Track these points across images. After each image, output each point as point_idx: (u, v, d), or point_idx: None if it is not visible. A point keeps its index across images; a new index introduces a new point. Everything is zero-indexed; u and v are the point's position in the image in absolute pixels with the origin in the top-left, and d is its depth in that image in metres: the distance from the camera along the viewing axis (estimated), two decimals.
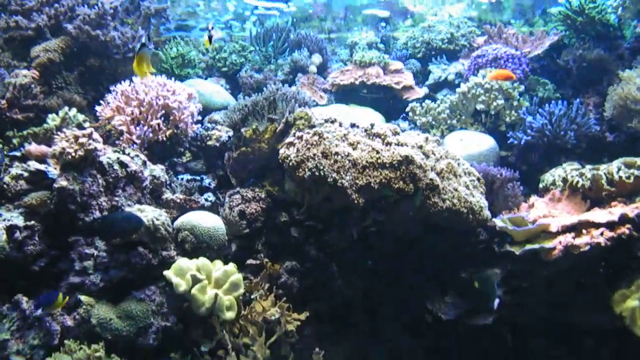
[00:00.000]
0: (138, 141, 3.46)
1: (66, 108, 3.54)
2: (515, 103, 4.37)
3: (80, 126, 3.47)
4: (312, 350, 2.95)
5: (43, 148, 3.10)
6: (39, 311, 2.58)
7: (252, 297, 3.05)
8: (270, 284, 3.15)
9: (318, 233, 3.33)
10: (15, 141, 3.32)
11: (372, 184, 3.07)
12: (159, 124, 3.54)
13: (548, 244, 3.10)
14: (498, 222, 3.33)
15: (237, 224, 3.21)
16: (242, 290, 2.89)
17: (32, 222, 2.78)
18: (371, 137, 3.39)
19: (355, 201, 3.05)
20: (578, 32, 4.92)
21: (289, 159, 3.11)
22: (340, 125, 3.46)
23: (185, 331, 2.90)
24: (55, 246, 2.83)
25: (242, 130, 3.48)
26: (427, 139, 3.53)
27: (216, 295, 2.76)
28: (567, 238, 3.07)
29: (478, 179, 3.52)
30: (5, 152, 3.08)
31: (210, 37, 3.76)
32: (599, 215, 3.11)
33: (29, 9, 4.14)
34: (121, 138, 3.49)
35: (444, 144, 4.15)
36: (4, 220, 2.70)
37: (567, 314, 3.39)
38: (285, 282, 3.23)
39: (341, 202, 3.10)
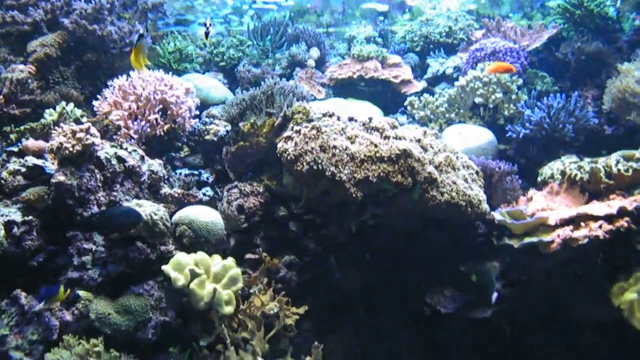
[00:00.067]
0: (136, 136, 3.45)
1: (63, 103, 3.53)
2: (513, 96, 4.36)
3: (77, 121, 3.46)
4: (311, 344, 2.95)
5: (40, 143, 3.09)
6: (42, 304, 2.58)
7: (251, 291, 3.05)
8: (269, 278, 3.15)
9: (316, 227, 3.33)
10: (12, 136, 3.30)
11: (370, 178, 3.06)
12: (156, 119, 3.53)
13: (546, 237, 3.11)
14: (497, 215, 3.33)
15: (235, 218, 3.21)
16: (240, 285, 2.89)
17: (30, 217, 2.78)
18: (369, 131, 3.38)
19: (354, 195, 3.05)
20: (577, 25, 4.91)
21: (287, 152, 3.11)
22: (339, 119, 3.46)
23: (184, 326, 2.90)
24: (53, 241, 2.83)
25: (240, 124, 3.47)
26: (425, 132, 3.52)
27: (215, 289, 2.76)
28: (566, 231, 3.07)
29: (476, 172, 3.52)
30: (2, 148, 3.07)
31: (207, 33, 3.75)
32: (597, 208, 3.11)
33: (25, 4, 4.12)
34: (119, 133, 3.48)
35: (443, 137, 4.15)
36: (2, 215, 2.70)
37: (565, 307, 3.40)
38: (284, 277, 3.23)
39: (339, 196, 3.10)
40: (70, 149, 2.79)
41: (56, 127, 2.93)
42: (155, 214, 2.89)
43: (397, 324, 3.67)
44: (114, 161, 3.00)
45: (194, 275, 2.76)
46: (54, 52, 3.95)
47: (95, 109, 3.65)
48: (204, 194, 3.44)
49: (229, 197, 3.30)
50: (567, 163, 3.56)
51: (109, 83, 3.68)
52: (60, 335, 2.58)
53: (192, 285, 2.73)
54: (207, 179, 3.61)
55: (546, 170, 3.66)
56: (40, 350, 2.55)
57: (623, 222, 2.99)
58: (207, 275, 2.83)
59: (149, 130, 3.49)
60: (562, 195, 3.44)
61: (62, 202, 2.77)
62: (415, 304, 3.57)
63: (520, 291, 3.41)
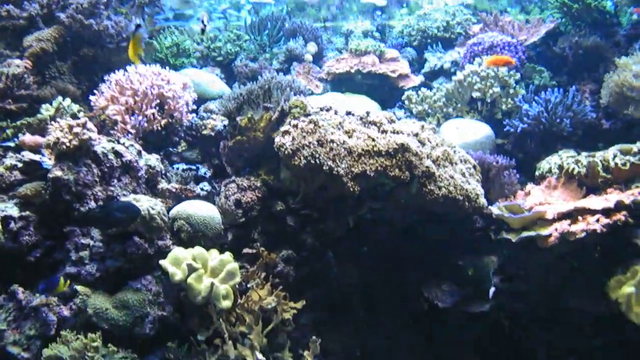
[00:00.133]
0: (133, 131, 3.44)
1: (60, 98, 3.52)
2: (511, 91, 4.35)
3: (74, 116, 3.45)
4: (309, 339, 2.96)
5: (37, 138, 3.09)
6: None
7: (249, 286, 3.05)
8: (267, 272, 3.15)
9: (314, 222, 3.33)
10: (8, 132, 3.29)
11: (367, 172, 3.06)
12: (153, 114, 3.52)
13: (544, 231, 3.11)
14: (494, 209, 3.33)
15: (233, 213, 3.20)
16: (238, 279, 2.89)
17: (27, 212, 2.78)
18: (367, 125, 3.38)
19: (351, 189, 3.05)
20: (574, 19, 4.89)
21: (285, 147, 3.10)
22: (336, 113, 3.45)
23: (182, 320, 2.90)
24: (50, 236, 2.83)
25: (238, 119, 3.46)
26: (423, 126, 3.52)
27: (212, 284, 2.76)
28: (563, 225, 3.07)
29: (474, 167, 3.51)
30: None
31: (203, 30, 3.74)
32: (594, 202, 3.11)
33: None
34: (116, 128, 3.47)
35: (440, 132, 4.14)
36: None
37: (563, 300, 3.40)
38: (281, 271, 3.23)
39: (337, 190, 3.09)
40: (67, 144, 2.78)
41: (53, 122, 2.92)
42: (153, 209, 2.89)
43: (394, 319, 3.68)
44: (111, 156, 3.00)
45: (191, 269, 2.76)
46: (50, 47, 3.93)
47: (92, 103, 3.64)
48: (202, 189, 3.44)
49: (227, 192, 3.30)
50: (565, 157, 3.57)
51: (106, 78, 3.67)
52: (58, 330, 2.59)
53: (189, 280, 2.73)
54: (205, 173, 3.61)
55: (544, 165, 3.66)
56: (37, 345, 2.55)
57: (620, 216, 2.99)
58: (205, 270, 2.83)
59: (146, 125, 3.48)
60: (559, 190, 3.44)
61: (59, 197, 2.77)
62: (413, 299, 3.57)
63: (518, 285, 3.42)
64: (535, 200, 3.39)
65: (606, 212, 3.03)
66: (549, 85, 4.56)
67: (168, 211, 3.06)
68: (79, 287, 2.72)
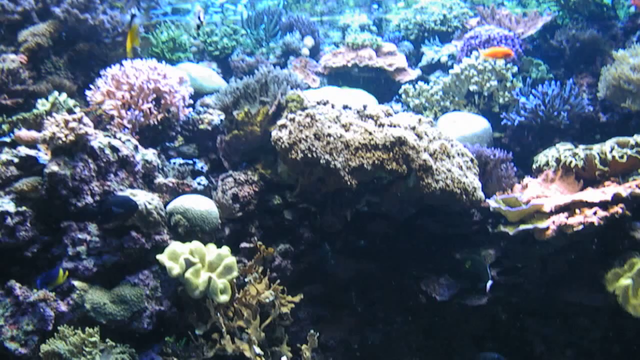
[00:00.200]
0: (129, 125, 3.43)
1: (56, 93, 3.50)
2: (508, 84, 4.35)
3: (70, 111, 3.43)
4: (306, 333, 2.96)
5: (33, 133, 3.07)
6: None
7: (246, 280, 3.05)
8: (264, 267, 3.15)
9: (311, 215, 3.33)
10: (4, 127, 3.28)
11: (365, 166, 3.06)
12: (150, 108, 3.51)
13: (542, 224, 3.11)
14: (492, 202, 3.34)
15: (230, 207, 3.20)
16: (235, 274, 2.88)
17: (24, 208, 2.76)
18: (364, 119, 3.37)
19: (348, 183, 3.05)
20: (571, 12, 4.89)
21: (282, 141, 3.09)
22: (333, 107, 3.44)
23: (180, 315, 2.90)
24: (47, 232, 2.82)
25: (234, 113, 3.45)
26: (420, 120, 3.51)
27: (210, 278, 2.76)
28: (561, 218, 3.08)
29: (472, 160, 3.51)
30: None
31: (199, 26, 3.73)
32: (592, 194, 3.12)
33: None
34: (112, 122, 3.45)
35: (437, 125, 4.14)
36: None
37: (560, 293, 3.41)
38: (279, 265, 3.23)
39: (334, 184, 3.09)
40: (63, 139, 2.77)
41: (49, 117, 2.91)
42: (150, 203, 2.88)
43: (392, 312, 3.68)
44: (107, 151, 2.99)
45: (189, 264, 2.75)
46: (45, 42, 3.91)
47: (88, 98, 3.62)
48: (199, 183, 3.43)
49: (224, 186, 3.30)
50: (562, 150, 3.57)
51: (102, 72, 3.65)
52: (56, 325, 2.58)
53: (187, 275, 2.73)
54: (202, 168, 3.60)
55: (541, 158, 3.67)
56: (35, 340, 2.55)
57: (617, 209, 3.00)
58: (202, 264, 2.83)
59: (142, 119, 3.47)
60: (557, 183, 3.44)
61: (55, 192, 2.76)
62: (411, 292, 3.57)
63: (516, 278, 3.42)
64: (533, 193, 3.40)
65: (603, 205, 3.04)
66: (546, 78, 4.55)
67: (165, 206, 3.05)
68: (76, 282, 2.71)
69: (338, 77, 5.07)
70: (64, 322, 2.62)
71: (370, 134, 3.15)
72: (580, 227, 2.99)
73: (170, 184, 3.25)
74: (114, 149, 3.04)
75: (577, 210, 3.09)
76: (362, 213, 3.35)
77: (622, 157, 3.20)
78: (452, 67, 4.61)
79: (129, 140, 3.20)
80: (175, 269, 2.72)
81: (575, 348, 3.51)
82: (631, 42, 4.35)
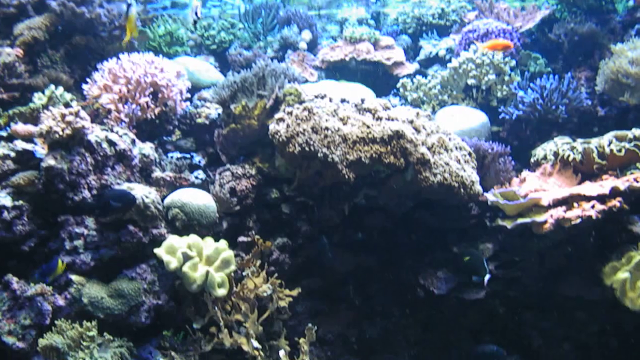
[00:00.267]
0: (126, 119, 3.42)
1: (52, 87, 3.48)
2: (506, 78, 4.34)
3: (67, 105, 3.41)
4: (304, 327, 2.96)
5: (30, 127, 3.06)
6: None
7: (244, 274, 3.05)
8: (262, 260, 3.15)
9: (309, 209, 3.33)
10: (1, 121, 3.26)
11: (362, 159, 3.05)
12: (147, 102, 3.49)
13: (539, 218, 3.11)
14: (490, 196, 3.33)
15: (227, 201, 3.19)
16: (233, 267, 2.88)
17: (21, 202, 2.76)
18: (361, 112, 3.36)
19: (346, 176, 3.04)
20: (570, 5, 4.88)
21: (279, 134, 3.09)
22: (331, 100, 3.43)
23: (177, 309, 2.90)
24: (44, 226, 2.81)
25: (232, 107, 3.44)
26: (418, 113, 3.50)
27: (207, 272, 2.76)
28: (559, 211, 3.08)
29: (469, 154, 3.51)
30: None
31: (195, 21, 3.71)
32: (590, 188, 3.11)
33: None
34: (109, 116, 3.44)
35: (435, 119, 4.13)
36: None
37: (558, 287, 3.42)
38: (277, 259, 3.23)
39: (332, 177, 3.08)
40: (60, 133, 2.76)
41: (45, 111, 2.90)
42: (147, 197, 2.87)
43: (390, 306, 3.69)
44: (104, 145, 2.98)
45: (186, 258, 2.75)
46: (41, 35, 3.88)
47: (85, 92, 3.60)
48: (196, 177, 3.42)
49: (221, 180, 3.29)
50: (560, 144, 3.57)
51: (99, 66, 3.63)
52: (53, 320, 2.58)
53: (184, 268, 2.73)
54: (199, 162, 3.59)
55: (539, 152, 3.66)
56: (33, 335, 2.55)
57: (615, 202, 3.00)
58: (200, 258, 2.83)
59: (139, 113, 3.45)
60: (555, 176, 3.44)
61: (52, 186, 2.75)
62: (409, 286, 3.58)
63: (513, 272, 3.43)
64: (531, 187, 3.40)
65: (601, 199, 3.04)
66: (545, 72, 4.55)
67: (162, 200, 3.05)
68: (73, 276, 2.71)
69: (336, 71, 5.06)
70: (61, 316, 2.62)
71: (368, 127, 3.14)
72: (578, 220, 2.99)
73: (168, 178, 3.24)
74: (111, 143, 3.03)
75: (575, 204, 3.09)
76: (360, 207, 3.35)
77: (620, 150, 3.20)
78: (450, 60, 4.60)
79: (126, 134, 3.19)
80: (172, 262, 2.72)
81: (572, 342, 3.52)
82: (629, 36, 4.34)
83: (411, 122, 3.35)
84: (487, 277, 3.21)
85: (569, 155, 3.37)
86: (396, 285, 3.65)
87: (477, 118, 4.11)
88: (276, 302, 3.03)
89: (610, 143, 3.28)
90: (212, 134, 3.65)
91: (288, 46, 5.34)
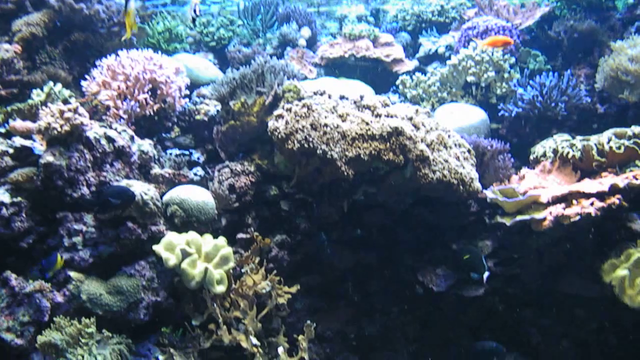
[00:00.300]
0: (125, 116, 3.41)
1: (51, 83, 3.47)
2: (506, 75, 4.34)
3: (65, 102, 3.41)
4: (303, 324, 2.96)
5: (28, 124, 3.05)
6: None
7: (243, 270, 3.05)
8: (261, 257, 3.15)
9: (308, 206, 3.32)
10: None
11: (361, 156, 3.04)
12: (146, 99, 3.49)
13: (538, 215, 3.11)
14: (489, 193, 3.33)
15: (226, 197, 3.19)
16: (232, 264, 2.88)
17: (19, 198, 2.76)
18: (361, 109, 3.36)
19: (345, 173, 3.04)
20: (569, 2, 4.87)
21: (278, 131, 3.08)
22: (330, 97, 3.43)
23: (176, 306, 2.90)
24: (43, 222, 2.81)
25: (231, 103, 3.44)
26: (417, 110, 3.50)
27: (206, 269, 2.75)
28: (558, 208, 3.07)
29: (469, 151, 3.50)
30: None
31: (194, 19, 3.70)
32: (589, 185, 3.11)
33: None
34: (108, 113, 3.43)
35: (435, 116, 4.13)
36: None
37: (557, 284, 3.42)
38: (275, 256, 3.23)
39: (331, 174, 3.08)
40: (59, 129, 2.76)
41: (44, 108, 2.89)
42: (146, 194, 2.87)
43: (389, 303, 3.68)
44: (103, 141, 2.97)
45: (185, 254, 2.75)
46: (40, 32, 3.87)
47: (84, 89, 3.60)
48: (195, 174, 3.42)
49: (220, 177, 3.28)
50: (559, 141, 3.56)
51: (98, 63, 3.62)
52: (52, 316, 2.58)
53: (183, 265, 2.73)
54: (198, 158, 3.58)
55: (538, 149, 3.66)
56: (31, 331, 2.55)
57: (614, 200, 3.00)
58: (199, 255, 2.82)
59: (138, 110, 3.45)
60: (554, 174, 3.44)
61: (51, 182, 2.75)
62: (408, 283, 3.57)
63: (513, 269, 3.42)
64: (530, 184, 3.39)
65: (600, 196, 3.04)
66: (544, 69, 4.54)
67: (161, 196, 3.04)
68: (72, 273, 2.71)
69: (335, 68, 5.06)
70: (60, 313, 2.62)
71: (367, 124, 3.14)
72: (577, 217, 2.99)
73: (167, 175, 3.24)
74: (110, 140, 3.02)
75: (574, 201, 3.09)
76: (359, 204, 3.34)
77: (619, 148, 3.20)
78: (449, 58, 4.59)
79: (124, 130, 3.18)
80: (171, 259, 2.72)
81: (571, 339, 3.52)
82: (629, 33, 4.34)
83: (410, 119, 3.35)
84: (486, 274, 3.21)
85: (568, 153, 3.37)
86: (395, 282, 3.64)
87: (476, 115, 4.10)
88: (275, 299, 3.03)
89: (609, 140, 3.27)
90: (211, 130, 3.65)
91: (287, 43, 5.33)
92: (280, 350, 2.94)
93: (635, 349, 3.36)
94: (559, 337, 3.56)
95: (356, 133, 3.09)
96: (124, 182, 2.94)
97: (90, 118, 3.07)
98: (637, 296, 2.90)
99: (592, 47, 4.54)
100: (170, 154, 3.53)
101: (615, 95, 3.99)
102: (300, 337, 2.93)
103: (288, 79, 3.50)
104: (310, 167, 3.12)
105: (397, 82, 4.68)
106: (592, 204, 3.01)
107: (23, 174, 2.78)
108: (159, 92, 3.56)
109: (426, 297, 3.51)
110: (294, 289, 3.13)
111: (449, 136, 3.45)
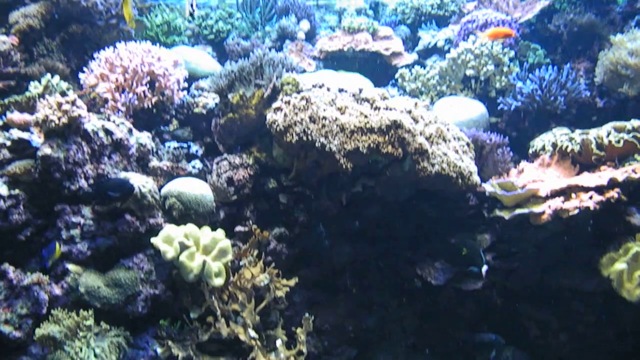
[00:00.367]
0: (123, 108, 3.40)
1: (48, 75, 3.46)
2: (505, 69, 4.33)
3: (63, 94, 3.39)
4: (301, 317, 2.96)
5: (26, 116, 3.04)
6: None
7: (241, 263, 3.05)
8: (259, 250, 3.14)
9: (307, 199, 3.32)
10: None
11: (360, 149, 3.04)
12: (144, 91, 3.48)
13: (537, 209, 3.10)
14: (488, 187, 3.33)
15: (225, 190, 3.18)
16: (230, 257, 2.88)
17: (17, 191, 2.75)
18: (359, 102, 3.35)
19: (344, 166, 3.03)
20: None
21: (277, 124, 3.07)
22: (328, 90, 3.42)
23: (174, 298, 2.90)
24: (41, 215, 2.80)
25: (229, 96, 3.43)
26: (416, 104, 3.49)
27: (204, 262, 2.75)
28: (556, 202, 3.07)
29: (468, 144, 3.50)
30: None
31: (192, 14, 3.69)
32: (588, 179, 3.11)
33: None
34: (106, 105, 3.42)
35: (434, 110, 4.12)
36: None
37: (555, 278, 3.42)
38: (274, 249, 3.23)
39: (330, 167, 3.08)
40: (56, 122, 2.75)
41: (41, 100, 2.88)
42: (144, 187, 2.86)
43: (388, 296, 3.68)
44: (101, 134, 2.96)
45: (183, 247, 2.74)
46: (37, 24, 3.85)
47: (81, 81, 3.58)
48: (193, 167, 3.41)
49: (219, 170, 3.28)
50: (559, 135, 3.56)
51: (96, 55, 3.61)
52: (50, 309, 2.57)
53: (181, 258, 2.72)
54: (196, 151, 3.57)
55: (537, 142, 3.65)
56: (29, 324, 2.54)
57: (613, 193, 2.99)
58: (197, 248, 2.82)
59: (136, 102, 3.44)
60: (553, 167, 3.43)
61: (49, 175, 2.74)
62: (406, 276, 3.57)
63: (511, 263, 3.42)
64: (529, 177, 3.39)
65: (599, 190, 3.03)
66: (543, 63, 4.53)
67: (159, 189, 3.04)
68: (70, 266, 2.70)
69: (334, 61, 5.04)
70: (58, 305, 2.62)
71: (366, 117, 3.13)
72: (576, 211, 2.99)
73: (165, 168, 3.23)
74: (108, 132, 3.02)
75: (573, 195, 3.08)
76: (358, 197, 3.34)
77: (618, 141, 3.19)
78: (448, 51, 4.58)
79: (123, 123, 3.18)
80: (169, 252, 2.71)
81: (569, 332, 3.52)
82: (629, 27, 4.33)
83: (409, 112, 3.34)
84: (484, 268, 3.21)
85: (567, 146, 3.36)
86: (393, 275, 3.64)
87: (475, 109, 4.10)
88: (273, 292, 3.03)
89: (608, 134, 3.27)
90: (210, 123, 3.64)
91: (286, 36, 5.31)
92: (279, 343, 2.94)
93: (633, 343, 3.37)
94: (556, 330, 3.56)
95: (355, 126, 3.08)
96: (122, 175, 2.93)
97: (88, 110, 3.06)
98: (635, 290, 2.90)
99: (592, 40, 4.53)
100: (169, 146, 3.52)
101: (615, 89, 3.98)
102: (299, 330, 2.93)
103: (287, 71, 3.49)
104: (308, 160, 3.12)
105: (396, 75, 4.66)
106: (591, 197, 3.01)
107: (21, 167, 2.77)
108: (157, 84, 3.55)
109: (425, 290, 3.51)
110: (292, 282, 3.13)
111: (447, 129, 3.44)
